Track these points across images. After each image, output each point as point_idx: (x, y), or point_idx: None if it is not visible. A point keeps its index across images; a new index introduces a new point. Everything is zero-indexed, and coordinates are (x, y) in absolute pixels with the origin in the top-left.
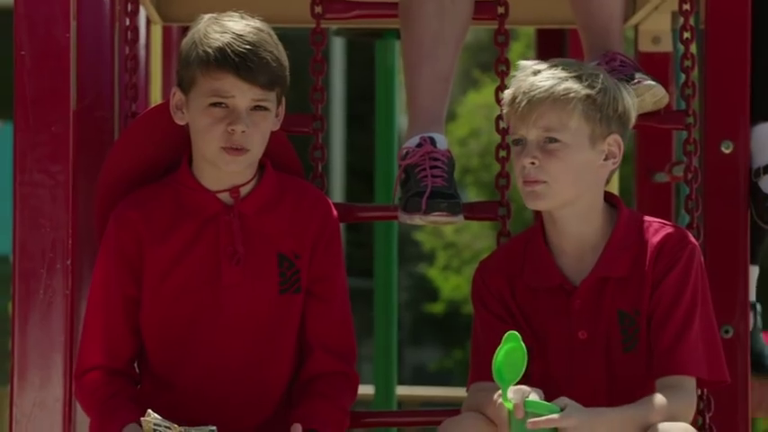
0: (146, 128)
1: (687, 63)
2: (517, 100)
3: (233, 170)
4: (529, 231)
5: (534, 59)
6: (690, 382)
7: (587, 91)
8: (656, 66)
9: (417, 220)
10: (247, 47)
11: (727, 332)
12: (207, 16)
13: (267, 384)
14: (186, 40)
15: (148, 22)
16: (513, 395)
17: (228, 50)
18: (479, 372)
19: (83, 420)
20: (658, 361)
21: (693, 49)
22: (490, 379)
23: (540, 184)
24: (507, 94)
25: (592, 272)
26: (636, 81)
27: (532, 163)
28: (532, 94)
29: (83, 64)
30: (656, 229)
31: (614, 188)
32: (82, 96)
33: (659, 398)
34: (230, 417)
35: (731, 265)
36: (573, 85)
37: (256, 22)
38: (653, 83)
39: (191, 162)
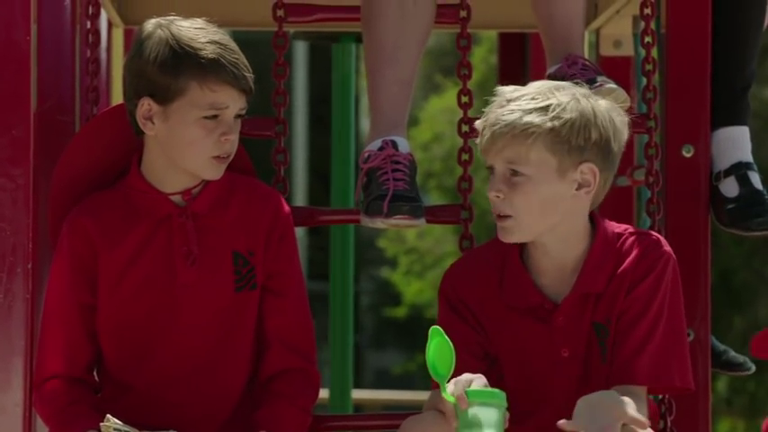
0: (96, 132)
1: (648, 67)
2: (483, 131)
3: (216, 177)
4: (505, 245)
5: (497, 63)
6: (643, 392)
7: (551, 124)
8: (617, 69)
9: (379, 223)
10: (236, 55)
11: (688, 336)
12: (156, 21)
13: (225, 383)
14: (154, 47)
15: (110, 24)
16: (453, 388)
17: (224, 60)
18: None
19: (43, 425)
20: (619, 369)
21: (654, 53)
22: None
23: (508, 220)
24: (478, 123)
25: (573, 289)
26: (597, 84)
27: (497, 196)
28: (495, 127)
29: (43, 67)
30: (634, 241)
31: None
32: (42, 99)
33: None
34: (189, 418)
35: (692, 268)
36: (535, 118)
37: (215, 27)
38: (614, 86)
39: (139, 166)
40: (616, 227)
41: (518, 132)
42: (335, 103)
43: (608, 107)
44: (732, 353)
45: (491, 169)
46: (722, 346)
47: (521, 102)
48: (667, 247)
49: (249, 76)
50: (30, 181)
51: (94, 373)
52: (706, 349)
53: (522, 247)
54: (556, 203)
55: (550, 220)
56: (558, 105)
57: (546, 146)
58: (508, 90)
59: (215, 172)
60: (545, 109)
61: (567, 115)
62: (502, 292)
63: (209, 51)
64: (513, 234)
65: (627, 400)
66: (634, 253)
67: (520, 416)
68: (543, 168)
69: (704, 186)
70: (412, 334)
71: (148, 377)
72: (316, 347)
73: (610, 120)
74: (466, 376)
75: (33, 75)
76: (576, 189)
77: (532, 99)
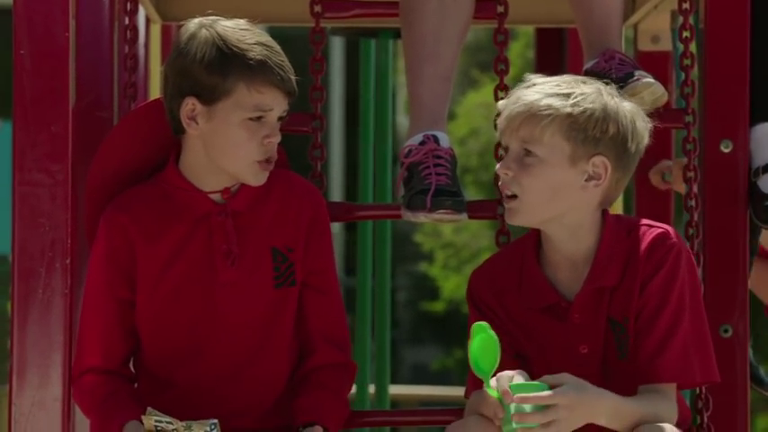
0: (132, 128)
1: (686, 62)
2: (503, 109)
3: (260, 183)
4: (525, 243)
5: (534, 59)
6: (671, 389)
7: (570, 110)
8: (655, 65)
9: (422, 217)
10: (281, 58)
11: (726, 331)
12: (199, 21)
13: (266, 378)
14: (200, 47)
15: (148, 20)
16: (496, 383)
17: (270, 63)
18: (476, 378)
19: (82, 420)
20: (642, 368)
21: (693, 47)
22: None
23: (513, 200)
24: (500, 103)
25: (585, 284)
26: (635, 78)
27: (506, 173)
28: (514, 106)
29: (82, 63)
30: (642, 233)
31: None
32: (81, 95)
33: (653, 398)
34: (230, 412)
35: (730, 264)
36: (555, 102)
37: (259, 29)
38: (651, 80)
39: (177, 162)
40: (625, 220)
41: (535, 112)
42: (365, 99)
43: (632, 109)
44: (762, 371)
45: (506, 150)
46: (754, 362)
47: (545, 86)
48: (676, 239)
49: (294, 78)
50: (68, 177)
51: (130, 366)
52: (745, 345)
53: (538, 247)
54: (563, 191)
55: (556, 206)
56: (581, 95)
57: (561, 131)
58: (536, 76)
59: (259, 178)
60: (567, 95)
61: (586, 105)
62: (521, 293)
63: (256, 53)
64: (517, 215)
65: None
66: (643, 246)
67: None
68: (556, 153)
69: (742, 182)
70: (449, 329)
71: (190, 375)
72: (350, 339)
73: (631, 120)
74: (507, 372)
75: (72, 71)
76: (586, 180)
77: (557, 86)
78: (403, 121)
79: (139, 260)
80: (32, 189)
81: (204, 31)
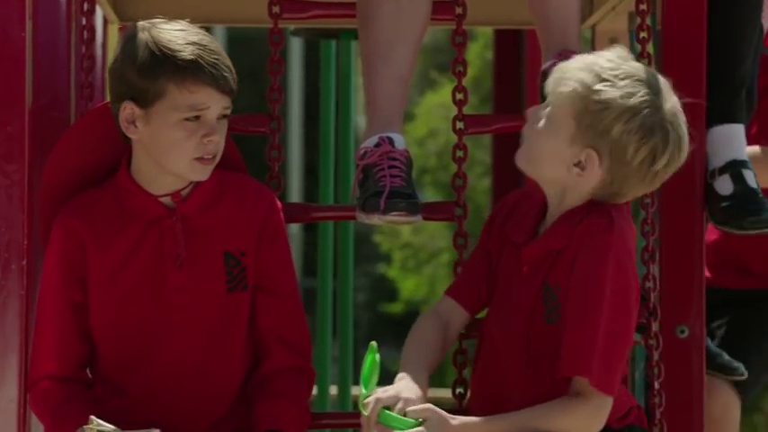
0: (86, 131)
1: (643, 62)
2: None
3: (202, 179)
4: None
5: (492, 60)
6: (579, 385)
7: (587, 93)
8: None
9: (376, 219)
10: (215, 56)
11: (682, 332)
12: (140, 24)
13: (219, 383)
14: (135, 50)
15: (105, 21)
16: (370, 404)
17: (202, 62)
18: (451, 285)
19: (37, 422)
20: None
21: (650, 48)
22: (452, 294)
23: (525, 141)
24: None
25: (536, 240)
26: None
27: (528, 120)
28: (560, 66)
29: (39, 63)
30: (584, 216)
31: None
32: (38, 96)
33: (555, 407)
34: (183, 418)
35: (686, 265)
36: (586, 79)
37: (198, 28)
38: None
39: (129, 166)
40: (601, 205)
41: (562, 79)
42: (326, 101)
43: (668, 133)
44: (726, 356)
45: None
46: (717, 349)
47: (599, 63)
48: (614, 235)
49: (230, 76)
50: (25, 177)
51: (87, 371)
52: (701, 347)
53: None
54: (552, 161)
55: (541, 168)
56: (613, 87)
57: (574, 108)
58: (621, 55)
59: (200, 174)
60: (601, 80)
61: (606, 96)
62: (515, 221)
63: (187, 53)
64: (519, 156)
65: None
66: (581, 230)
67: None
68: (563, 125)
69: (699, 183)
70: (408, 330)
71: (143, 380)
72: (311, 345)
73: (648, 136)
74: (388, 395)
75: (28, 71)
76: (575, 164)
77: (611, 70)
78: (363, 122)
79: (91, 264)
80: None
81: (141, 34)
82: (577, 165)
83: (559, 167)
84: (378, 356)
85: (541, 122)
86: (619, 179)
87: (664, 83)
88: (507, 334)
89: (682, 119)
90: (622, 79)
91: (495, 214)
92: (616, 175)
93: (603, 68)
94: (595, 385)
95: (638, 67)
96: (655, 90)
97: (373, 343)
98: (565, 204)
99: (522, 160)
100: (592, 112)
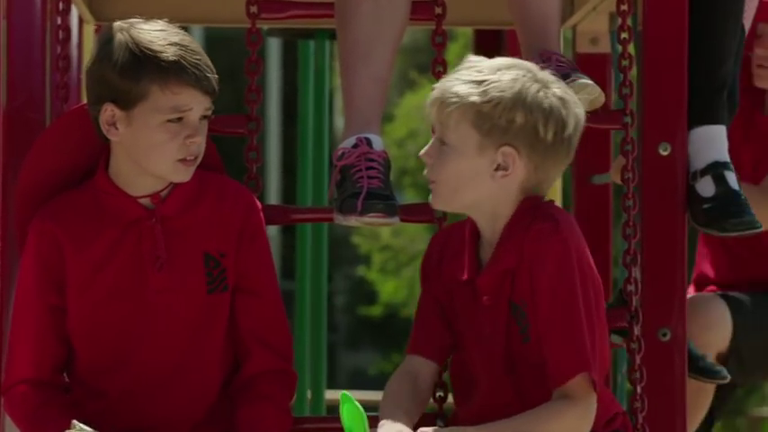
0: (62, 133)
1: (624, 63)
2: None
3: (184, 180)
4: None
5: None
6: (569, 390)
7: (474, 99)
8: (594, 66)
9: (353, 221)
10: (197, 56)
11: (664, 335)
12: (117, 25)
13: (198, 386)
14: (114, 52)
15: (81, 21)
16: None
17: (184, 62)
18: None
19: (11, 428)
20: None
21: (631, 49)
22: (415, 351)
23: (432, 185)
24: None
25: (486, 267)
26: (571, 79)
27: (425, 159)
28: (434, 91)
29: (13, 64)
30: (526, 225)
31: (556, 190)
32: (12, 96)
33: (542, 410)
34: (162, 420)
35: (668, 267)
36: (464, 89)
37: (177, 28)
38: (588, 81)
39: (107, 167)
40: (539, 207)
41: (445, 100)
42: (304, 101)
43: (557, 96)
44: (709, 359)
45: (433, 133)
46: (700, 352)
47: (467, 72)
48: (564, 233)
49: (212, 76)
50: None
51: (64, 375)
52: (682, 349)
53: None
54: (474, 179)
55: (468, 194)
56: (493, 83)
57: (469, 119)
58: (475, 60)
59: (183, 175)
60: (478, 83)
61: (494, 93)
62: (453, 263)
63: (169, 54)
64: (435, 200)
65: None
66: (529, 237)
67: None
68: (466, 141)
69: (681, 185)
70: (387, 333)
71: (121, 382)
72: (292, 347)
73: (548, 107)
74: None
75: (3, 72)
76: (495, 170)
77: (478, 72)
78: (341, 122)
79: (69, 267)
80: None
81: (119, 35)
82: (498, 168)
83: (481, 182)
84: (357, 403)
85: (441, 154)
86: (541, 162)
87: (516, 60)
88: (488, 363)
89: (557, 79)
90: (493, 73)
91: (426, 262)
92: (537, 159)
93: (470, 73)
94: (595, 379)
95: (490, 60)
96: (522, 66)
97: (345, 392)
98: (499, 221)
99: (442, 201)
100: (487, 114)
